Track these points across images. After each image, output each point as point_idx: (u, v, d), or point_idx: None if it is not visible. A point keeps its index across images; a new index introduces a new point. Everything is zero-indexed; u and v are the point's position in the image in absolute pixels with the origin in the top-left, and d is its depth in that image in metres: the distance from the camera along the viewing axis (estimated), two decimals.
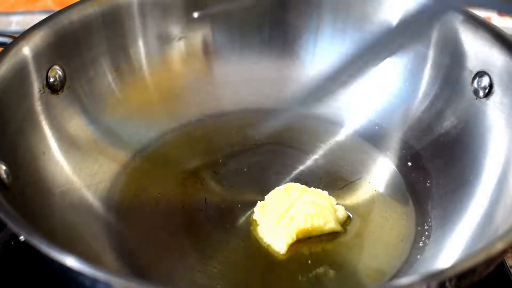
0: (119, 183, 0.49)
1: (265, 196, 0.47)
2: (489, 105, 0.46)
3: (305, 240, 0.45)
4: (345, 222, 0.46)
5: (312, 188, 0.47)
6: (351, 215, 0.47)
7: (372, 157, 0.52)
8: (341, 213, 0.46)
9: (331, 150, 0.53)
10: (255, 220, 0.46)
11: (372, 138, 0.53)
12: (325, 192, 0.47)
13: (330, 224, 0.45)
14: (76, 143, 0.48)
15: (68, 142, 0.48)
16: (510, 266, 0.45)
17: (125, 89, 0.53)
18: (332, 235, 0.45)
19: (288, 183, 0.48)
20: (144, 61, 0.54)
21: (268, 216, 0.45)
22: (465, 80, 0.48)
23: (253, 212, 0.47)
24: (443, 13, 0.48)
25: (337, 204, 0.46)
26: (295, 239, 0.44)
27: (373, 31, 0.54)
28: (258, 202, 0.47)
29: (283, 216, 0.44)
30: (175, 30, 0.55)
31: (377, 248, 0.45)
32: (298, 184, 0.47)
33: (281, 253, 0.44)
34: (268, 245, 0.44)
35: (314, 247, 0.45)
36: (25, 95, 0.45)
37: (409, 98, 0.53)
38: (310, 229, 0.44)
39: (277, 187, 0.47)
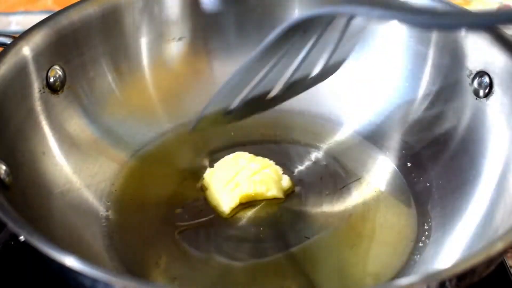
0: (119, 183, 0.49)
1: (214, 164, 0.49)
2: (489, 105, 0.46)
3: (303, 241, 0.45)
4: (289, 191, 0.48)
5: (259, 157, 0.49)
6: (297, 187, 0.49)
7: (372, 157, 0.52)
8: (286, 182, 0.48)
9: (331, 150, 0.53)
10: (204, 185, 0.48)
11: (372, 138, 0.53)
12: (272, 162, 0.49)
13: (272, 191, 0.47)
14: (76, 143, 0.48)
15: (68, 142, 0.48)
16: (510, 266, 0.45)
17: (125, 89, 0.53)
18: (333, 234, 0.45)
19: (236, 152, 0.50)
20: (144, 61, 0.54)
21: (216, 182, 0.48)
22: (465, 80, 0.48)
23: (253, 211, 0.47)
24: None
25: (283, 173, 0.49)
26: (238, 203, 0.47)
27: (372, 31, 0.54)
28: (208, 168, 0.49)
29: (229, 182, 0.47)
30: (175, 30, 0.55)
31: (377, 248, 0.45)
32: (246, 153, 0.50)
33: (225, 214, 0.46)
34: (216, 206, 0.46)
35: (314, 244, 0.45)
36: (25, 95, 0.45)
37: (409, 98, 0.53)
38: (253, 194, 0.47)
39: (226, 156, 0.50)
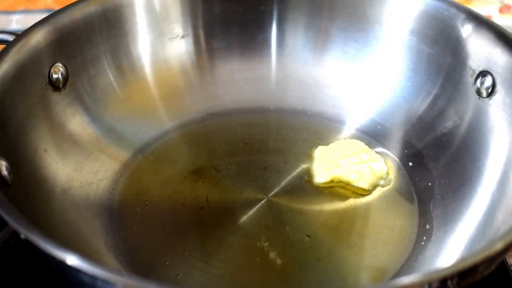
0: (120, 181, 0.49)
1: (330, 143, 0.52)
2: (492, 105, 0.46)
3: (304, 239, 0.45)
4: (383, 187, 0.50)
5: (374, 151, 0.51)
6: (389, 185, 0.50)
7: None
8: (383, 183, 0.50)
9: None
10: (313, 156, 0.51)
11: (375, 137, 0.53)
12: (382, 159, 0.50)
13: (362, 183, 0.49)
14: (78, 141, 0.48)
15: (70, 140, 0.48)
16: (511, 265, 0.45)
17: (127, 87, 0.53)
18: (335, 233, 0.45)
19: (353, 140, 0.52)
20: (145, 59, 0.54)
21: (322, 156, 0.51)
22: (467, 79, 0.48)
23: (254, 210, 0.47)
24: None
25: (387, 175, 0.50)
26: (328, 180, 0.49)
27: (375, 30, 0.54)
28: (320, 146, 0.52)
29: (333, 161, 0.50)
30: (177, 28, 0.55)
31: (378, 247, 0.45)
32: (362, 143, 0.52)
33: (315, 184, 0.49)
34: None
35: (315, 243, 0.45)
36: (27, 93, 0.45)
37: (411, 97, 0.53)
38: (344, 179, 0.49)
39: (342, 139, 0.52)
